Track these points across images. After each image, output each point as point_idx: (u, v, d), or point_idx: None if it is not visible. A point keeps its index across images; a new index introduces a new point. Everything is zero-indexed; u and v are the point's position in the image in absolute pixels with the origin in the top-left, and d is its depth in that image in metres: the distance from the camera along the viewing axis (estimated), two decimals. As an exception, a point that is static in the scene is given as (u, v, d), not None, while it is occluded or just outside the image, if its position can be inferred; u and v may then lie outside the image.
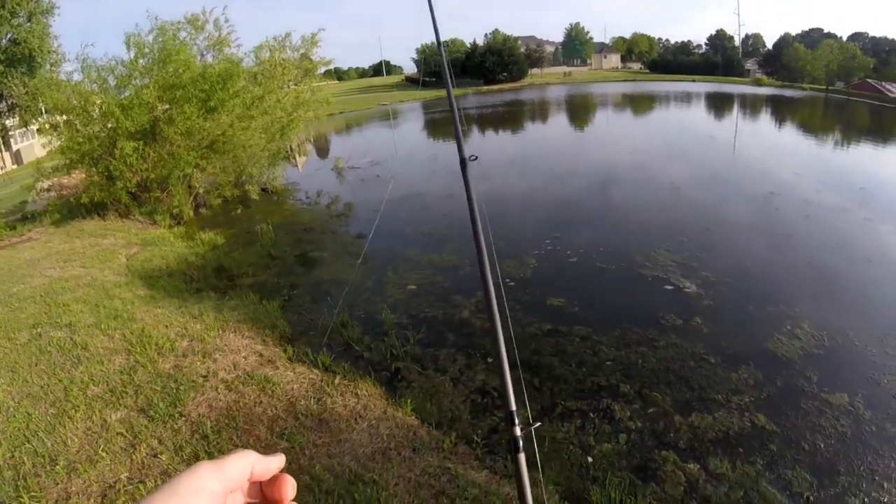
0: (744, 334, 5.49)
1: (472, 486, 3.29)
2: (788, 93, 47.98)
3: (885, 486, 3.60)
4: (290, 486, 0.56)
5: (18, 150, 32.93)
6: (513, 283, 6.73)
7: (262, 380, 4.58)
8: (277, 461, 0.57)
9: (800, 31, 70.71)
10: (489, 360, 5.03)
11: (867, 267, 7.18)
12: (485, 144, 21.83)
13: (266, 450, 2.58)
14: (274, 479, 0.56)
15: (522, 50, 70.72)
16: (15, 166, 31.56)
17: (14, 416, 4.07)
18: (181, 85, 11.53)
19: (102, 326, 5.64)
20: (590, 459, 3.81)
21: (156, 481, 3.35)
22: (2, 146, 31.02)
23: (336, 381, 4.60)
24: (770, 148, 18.03)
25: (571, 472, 3.69)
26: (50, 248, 9.73)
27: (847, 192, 11.04)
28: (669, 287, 6.50)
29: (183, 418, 4.04)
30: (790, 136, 22.58)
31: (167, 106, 11.73)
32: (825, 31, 69.05)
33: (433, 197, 11.83)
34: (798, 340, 5.30)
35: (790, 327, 5.53)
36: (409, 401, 4.31)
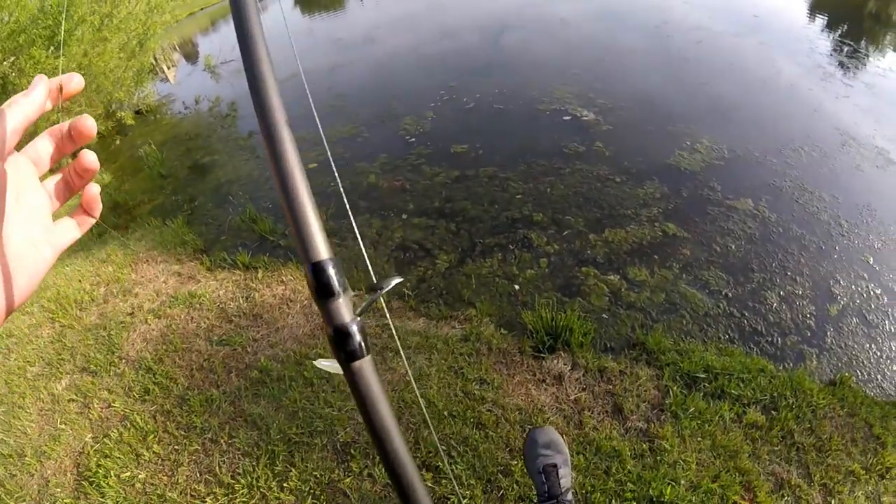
0: (645, 153, 5.67)
1: (412, 334, 3.51)
2: None
3: (798, 279, 3.96)
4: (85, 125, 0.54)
5: None
6: (413, 139, 6.63)
7: (186, 297, 4.51)
8: (37, 90, 0.53)
9: None
10: (403, 216, 5.08)
11: (762, 87, 7.33)
12: (362, 11, 20.52)
13: (209, 360, 2.59)
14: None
15: None
16: None
17: None
18: (21, 29, 10.06)
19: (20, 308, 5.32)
20: (516, 287, 4.01)
21: (119, 429, 3.38)
22: None
23: (260, 276, 4.58)
24: None
25: (502, 301, 3.89)
26: None
27: (740, 19, 11.04)
28: (567, 118, 6.57)
29: (123, 361, 4.00)
30: None
31: (13, 57, 10.30)
32: None
33: (317, 73, 11.19)
34: (699, 154, 5.54)
35: (690, 143, 5.75)
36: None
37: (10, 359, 4.50)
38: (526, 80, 8.10)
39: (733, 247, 4.30)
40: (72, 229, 0.57)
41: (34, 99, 0.51)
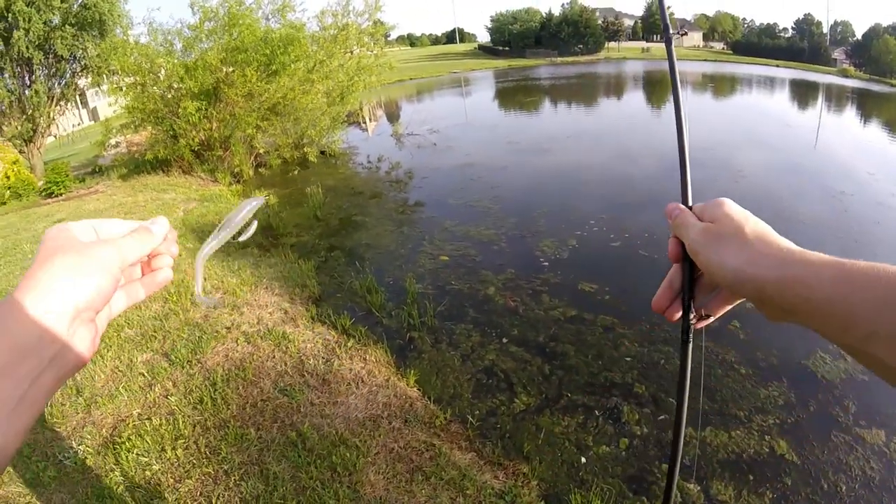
0: (783, 347, 4.93)
1: (452, 466, 3.26)
2: (876, 87, 44.28)
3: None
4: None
5: (95, 108, 35.14)
6: (546, 263, 6.55)
7: (279, 336, 4.73)
8: (160, 230, 0.65)
9: (892, 23, 65.27)
10: (504, 340, 4.94)
11: None
12: (551, 117, 21.35)
13: (264, 403, 2.66)
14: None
15: (600, 22, 68.34)
16: (92, 122, 33.72)
17: None
18: (244, 49, 11.79)
19: None
20: (583, 460, 3.62)
21: (161, 420, 3.64)
22: (79, 104, 32.98)
23: (349, 344, 4.67)
24: (852, 145, 16.67)
25: (560, 469, 3.53)
26: (114, 201, 10.31)
27: None
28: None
29: (199, 365, 4.33)
30: (873, 135, 20.91)
31: (230, 69, 12.04)
32: None
33: (485, 168, 11.68)
34: (843, 362, 4.66)
35: (837, 347, 5.02)
36: (413, 372, 4.31)
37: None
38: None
39: (844, 488, 3.57)
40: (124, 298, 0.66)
41: (156, 237, 0.64)
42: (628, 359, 4.75)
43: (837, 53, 68.02)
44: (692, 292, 0.69)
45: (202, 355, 4.44)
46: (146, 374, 4.19)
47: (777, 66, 56.73)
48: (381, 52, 15.36)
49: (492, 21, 75.38)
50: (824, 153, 14.29)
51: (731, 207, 0.64)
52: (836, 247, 7.36)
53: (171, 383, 4.08)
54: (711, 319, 0.70)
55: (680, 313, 0.70)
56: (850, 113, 27.67)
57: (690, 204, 0.74)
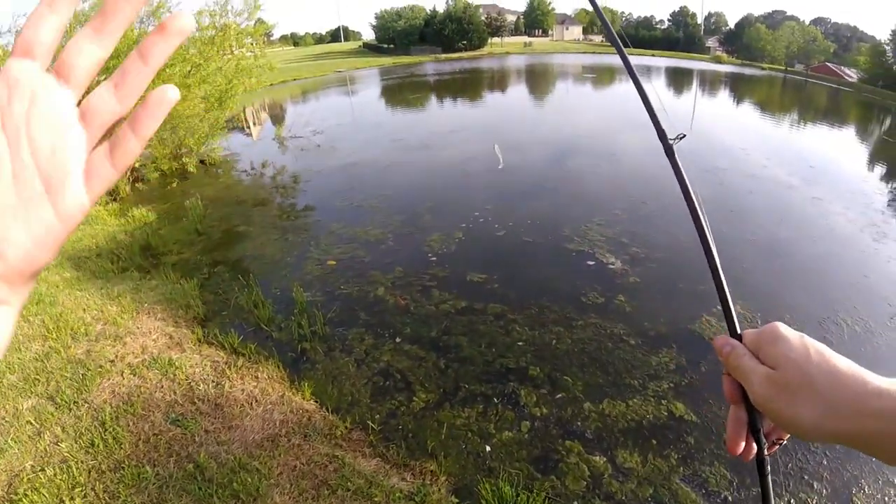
0: (670, 314, 5.33)
1: (357, 475, 3.26)
2: (748, 71, 48.81)
3: (815, 486, 3.44)
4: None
5: None
6: (434, 258, 6.64)
7: (165, 364, 4.48)
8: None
9: (763, 13, 72.24)
10: (397, 339, 4.97)
11: (810, 248, 7.18)
12: (436, 112, 21.59)
13: (157, 437, 2.52)
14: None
15: (483, 18, 69.77)
16: None
17: None
18: (114, 55, 10.99)
19: (24, 312, 5.42)
20: (488, 448, 3.71)
21: (55, 469, 3.38)
22: None
23: (239, 364, 4.51)
24: (726, 124, 18.14)
25: (467, 461, 3.60)
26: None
27: (797, 170, 11.16)
28: (591, 262, 6.48)
29: (86, 405, 4.02)
30: (746, 114, 22.91)
31: (102, 77, 11.19)
32: (787, 13, 70.85)
33: (371, 167, 11.65)
34: None
35: (720, 308, 5.39)
36: (308, 384, 4.23)
37: (-3, 358, 4.60)
38: (563, 212, 8.17)
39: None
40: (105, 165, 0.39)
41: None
42: (520, 343, 4.92)
43: (711, 42, 73.96)
44: (759, 427, 0.66)
45: (88, 394, 4.12)
46: (34, 422, 3.84)
47: (653, 55, 60.79)
48: (262, 53, 14.82)
49: (376, 19, 74.75)
50: (700, 133, 15.50)
51: (791, 343, 0.59)
52: (715, 217, 7.97)
53: (59, 428, 3.76)
54: (783, 442, 0.67)
55: (754, 451, 0.66)
56: (724, 95, 30.20)
57: (739, 331, 0.72)
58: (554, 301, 5.60)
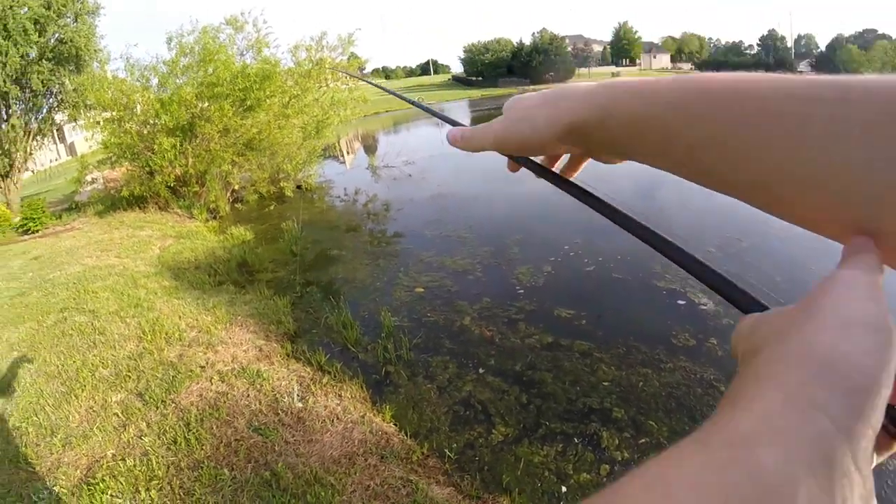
0: None
1: (430, 502, 3.22)
2: None
3: None
4: None
5: (72, 143, 35.08)
6: (522, 291, 6.56)
7: (253, 374, 4.67)
8: None
9: (853, 32, 68.51)
10: (480, 370, 4.92)
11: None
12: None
13: (238, 442, 2.62)
14: None
15: (569, 49, 69.88)
16: (69, 157, 33.65)
17: (28, 392, 4.54)
18: (219, 83, 11.87)
19: (122, 314, 5.98)
20: (563, 489, 3.57)
21: (135, 461, 3.59)
22: (56, 139, 32.95)
23: (324, 381, 4.63)
24: None
25: (541, 500, 3.48)
26: (90, 238, 10.21)
27: None
28: (682, 302, 6.19)
29: (173, 405, 4.26)
30: None
31: (206, 104, 12.09)
32: (879, 31, 66.83)
33: (459, 198, 11.79)
34: None
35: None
36: (389, 407, 4.27)
37: (91, 353, 5.10)
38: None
39: None
40: None
41: None
42: (606, 383, 4.73)
43: (803, 66, 70.56)
44: None
45: (176, 395, 4.38)
46: (120, 415, 4.14)
47: None
48: (356, 86, 15.51)
49: (464, 52, 76.59)
50: None
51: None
52: (811, 258, 7.46)
53: (145, 423, 4.02)
54: None
55: None
56: None
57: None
58: (642, 341, 5.36)
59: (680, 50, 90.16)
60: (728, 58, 79.70)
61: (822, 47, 69.75)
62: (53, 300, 6.69)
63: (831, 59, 60.01)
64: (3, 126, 15.52)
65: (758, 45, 79.94)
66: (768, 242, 7.91)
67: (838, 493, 0.20)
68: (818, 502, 0.19)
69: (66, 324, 5.87)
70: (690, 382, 4.72)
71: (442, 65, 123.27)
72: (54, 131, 20.55)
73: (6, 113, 15.67)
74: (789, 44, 75.37)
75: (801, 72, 66.71)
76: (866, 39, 62.38)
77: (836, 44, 62.58)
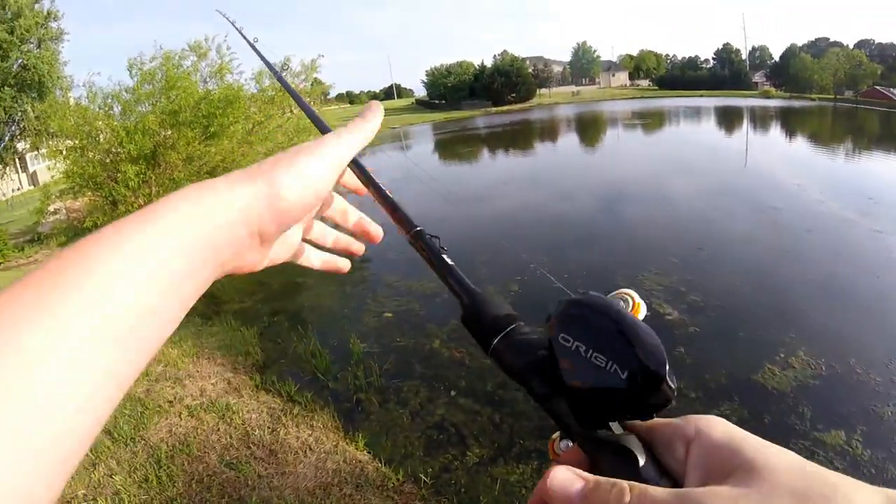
0: (730, 365, 5.10)
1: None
2: (797, 104, 47.82)
3: None
4: None
5: (35, 172, 34.25)
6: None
7: (223, 408, 4.61)
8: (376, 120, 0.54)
9: (806, 42, 71.26)
10: (452, 392, 4.93)
11: (874, 283, 6.84)
12: (488, 165, 21.94)
13: (211, 478, 2.58)
14: None
15: (530, 70, 71.02)
16: (31, 187, 32.83)
17: None
18: (182, 111, 11.77)
19: None
20: None
21: (106, 501, 3.52)
22: (18, 167, 32.13)
23: (295, 412, 4.59)
24: (777, 161, 17.67)
25: None
26: (51, 272, 9.92)
27: (855, 202, 10.70)
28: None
29: (143, 442, 4.20)
30: (798, 148, 22.34)
31: (168, 132, 11.97)
32: (831, 39, 69.70)
33: (426, 220, 11.22)
34: (792, 370, 4.92)
35: (784, 355, 5.13)
36: (362, 434, 4.25)
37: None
38: (618, 262, 8.07)
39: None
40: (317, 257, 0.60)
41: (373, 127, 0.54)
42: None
43: (758, 77, 72.80)
44: None
45: (145, 431, 4.32)
46: (89, 453, 4.03)
47: (702, 95, 60.31)
48: (320, 111, 15.51)
49: (427, 76, 77.20)
50: (754, 172, 15.22)
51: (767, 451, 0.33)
52: (767, 262, 7.79)
53: (114, 462, 3.94)
54: None
55: None
56: (776, 131, 29.70)
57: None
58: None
59: (638, 67, 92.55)
60: (685, 73, 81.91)
61: (777, 58, 72.07)
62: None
63: (786, 68, 61.91)
64: (-37, 156, 15.12)
65: (713, 58, 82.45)
66: (728, 249, 8.15)
67: None
68: None
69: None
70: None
71: (405, 88, 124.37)
72: (16, 160, 20.13)
73: (-34, 140, 15.30)
74: (744, 56, 77.85)
75: (756, 83, 68.60)
76: (819, 48, 64.65)
77: (790, 53, 64.54)
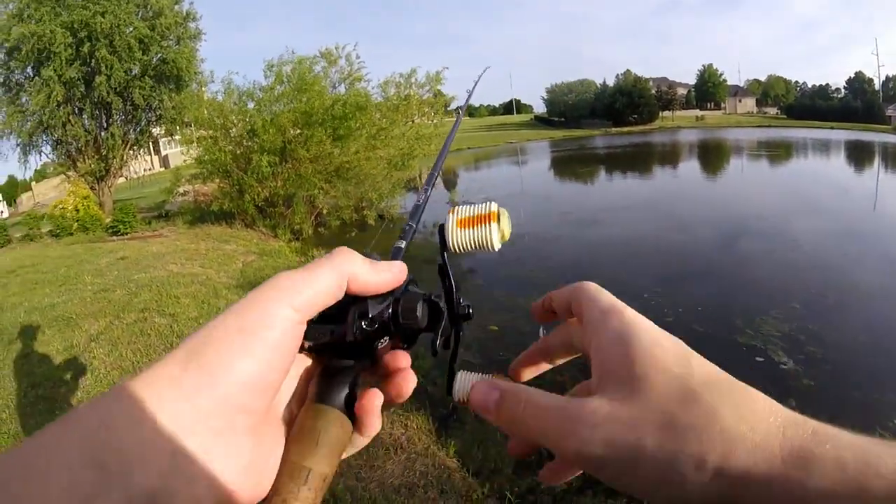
0: (844, 424, 4.73)
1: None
2: None
3: None
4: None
5: (166, 155, 37.98)
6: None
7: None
8: (386, 274, 0.42)
9: None
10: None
11: None
12: (605, 187, 21.45)
13: None
14: None
15: (653, 91, 68.67)
16: (162, 168, 36.37)
17: (101, 382, 4.85)
18: (313, 112, 12.51)
19: (201, 322, 6.21)
20: None
21: None
22: (151, 150, 35.70)
23: (392, 409, 4.69)
24: None
25: None
26: (177, 246, 10.88)
27: None
28: (761, 359, 5.87)
29: None
30: None
31: (299, 130, 12.76)
32: None
33: (538, 238, 11.72)
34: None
35: None
36: (454, 442, 4.28)
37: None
38: (737, 303, 7.54)
39: None
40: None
41: (368, 282, 0.41)
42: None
43: (891, 110, 65.71)
44: None
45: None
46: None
47: (832, 128, 55.29)
48: (440, 122, 15.91)
49: (547, 92, 76.76)
50: (884, 216, 13.75)
51: (648, 336, 0.38)
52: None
53: None
54: None
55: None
56: None
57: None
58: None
59: (766, 93, 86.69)
60: (814, 101, 75.80)
61: (913, 89, 65.16)
62: (136, 300, 7.09)
63: (922, 101, 55.49)
64: (104, 133, 17.04)
65: (845, 87, 75.83)
66: (853, 300, 7.43)
67: None
68: None
69: (146, 323, 6.21)
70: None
71: (525, 104, 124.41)
72: (150, 143, 22.54)
73: (107, 122, 17.27)
74: (877, 86, 70.73)
75: (890, 116, 62.19)
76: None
77: (927, 85, 58.11)
